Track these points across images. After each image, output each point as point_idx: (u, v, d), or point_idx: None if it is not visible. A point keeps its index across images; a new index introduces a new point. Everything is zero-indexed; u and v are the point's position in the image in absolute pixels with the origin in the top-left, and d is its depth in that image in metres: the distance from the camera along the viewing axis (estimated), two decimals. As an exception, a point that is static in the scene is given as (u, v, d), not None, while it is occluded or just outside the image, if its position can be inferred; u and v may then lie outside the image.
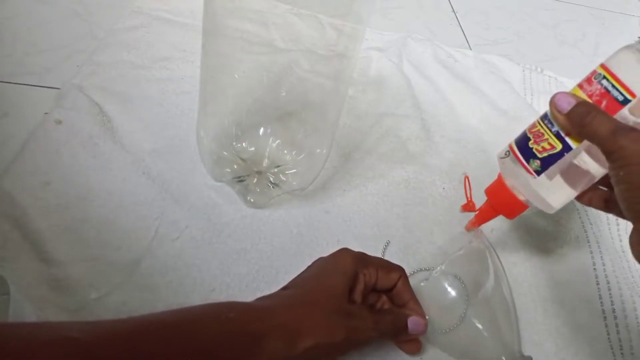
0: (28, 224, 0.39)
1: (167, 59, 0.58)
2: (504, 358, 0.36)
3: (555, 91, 0.31)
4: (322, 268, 0.36)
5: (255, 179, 0.44)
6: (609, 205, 0.35)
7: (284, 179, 0.44)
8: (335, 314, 0.32)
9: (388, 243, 0.46)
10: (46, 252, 0.38)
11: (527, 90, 0.70)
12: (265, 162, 0.45)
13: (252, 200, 0.44)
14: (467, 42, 0.81)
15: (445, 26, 0.84)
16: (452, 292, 0.38)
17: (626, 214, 0.29)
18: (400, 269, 0.38)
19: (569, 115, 0.30)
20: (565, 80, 0.74)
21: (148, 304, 0.37)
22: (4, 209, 0.40)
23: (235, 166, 0.44)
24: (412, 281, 0.39)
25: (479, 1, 0.94)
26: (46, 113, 0.48)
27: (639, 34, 1.03)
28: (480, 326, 0.37)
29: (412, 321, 0.36)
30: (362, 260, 0.36)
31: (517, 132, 0.36)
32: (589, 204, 0.36)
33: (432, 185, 0.52)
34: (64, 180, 0.43)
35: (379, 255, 0.45)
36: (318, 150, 0.45)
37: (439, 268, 0.39)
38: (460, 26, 0.85)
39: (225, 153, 0.44)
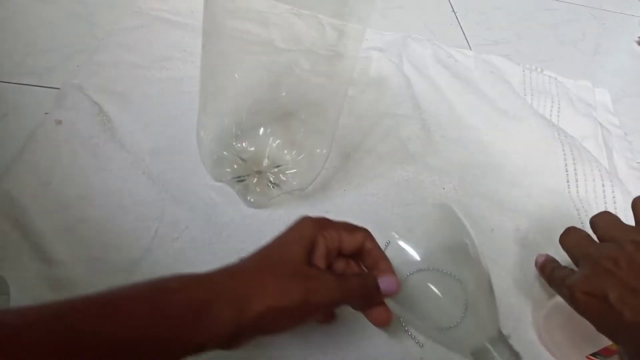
0: (28, 224, 0.39)
1: (167, 59, 0.58)
2: (487, 344, 0.36)
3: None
4: (278, 237, 0.34)
5: (255, 179, 0.44)
6: None
7: (284, 179, 0.44)
8: (289, 277, 0.30)
9: (388, 243, 0.46)
10: (46, 252, 0.38)
11: (527, 90, 0.70)
12: (265, 162, 0.45)
13: (252, 200, 0.44)
14: (467, 42, 0.81)
15: (445, 26, 0.84)
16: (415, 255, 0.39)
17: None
18: (365, 229, 0.35)
19: None
20: (565, 80, 0.74)
21: (148, 304, 0.37)
22: (4, 209, 0.40)
23: (235, 166, 0.44)
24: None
25: (479, 1, 0.94)
26: (46, 113, 0.48)
27: (639, 34, 1.03)
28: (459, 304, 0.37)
29: (384, 281, 0.33)
30: (321, 224, 0.34)
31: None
32: None
33: (432, 185, 0.52)
34: (64, 180, 0.43)
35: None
36: (318, 150, 0.45)
37: (393, 233, 0.40)
38: (460, 26, 0.85)
39: (225, 153, 0.44)
